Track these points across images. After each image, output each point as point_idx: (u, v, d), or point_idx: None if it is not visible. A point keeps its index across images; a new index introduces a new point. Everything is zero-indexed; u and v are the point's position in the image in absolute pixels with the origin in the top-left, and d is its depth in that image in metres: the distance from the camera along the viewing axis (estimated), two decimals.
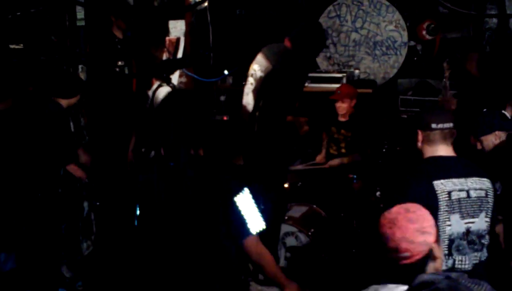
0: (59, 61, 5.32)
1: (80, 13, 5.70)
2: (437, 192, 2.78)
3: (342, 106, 5.57)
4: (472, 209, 2.83)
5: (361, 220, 5.12)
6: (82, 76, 5.50)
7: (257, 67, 4.25)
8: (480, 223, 2.84)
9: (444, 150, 2.90)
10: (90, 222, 5.06)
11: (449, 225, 2.79)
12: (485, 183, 2.89)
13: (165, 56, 4.49)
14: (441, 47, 6.77)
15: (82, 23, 5.62)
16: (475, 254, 2.84)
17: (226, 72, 5.56)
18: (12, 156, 4.23)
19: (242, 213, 2.51)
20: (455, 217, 2.79)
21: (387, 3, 6.87)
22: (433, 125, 2.88)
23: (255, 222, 2.56)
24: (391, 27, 6.90)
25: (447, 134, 2.90)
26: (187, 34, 4.56)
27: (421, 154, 2.97)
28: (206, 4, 4.87)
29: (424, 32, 6.75)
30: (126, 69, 5.56)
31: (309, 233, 4.77)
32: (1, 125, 4.26)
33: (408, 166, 3.26)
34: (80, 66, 5.54)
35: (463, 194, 2.81)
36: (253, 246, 2.57)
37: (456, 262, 2.81)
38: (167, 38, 4.37)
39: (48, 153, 4.29)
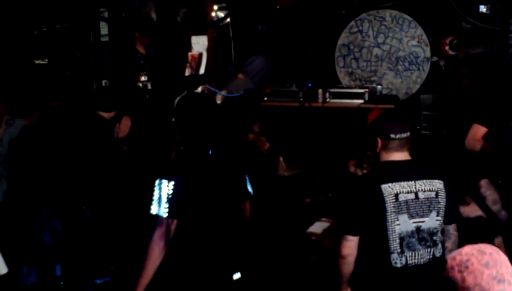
0: (83, 77, 5.37)
1: (103, 29, 5.77)
2: (384, 195, 3.02)
3: None
4: (421, 209, 3.06)
5: None
6: None
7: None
8: (431, 222, 3.07)
9: (398, 156, 3.14)
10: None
11: (398, 225, 3.02)
12: (436, 184, 3.10)
13: (187, 71, 4.52)
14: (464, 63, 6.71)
15: (106, 39, 5.69)
16: (428, 250, 3.06)
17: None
18: (53, 166, 4.27)
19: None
20: (403, 217, 3.02)
21: (410, 18, 6.84)
22: (392, 136, 3.12)
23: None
24: (413, 42, 6.86)
25: (404, 143, 3.14)
26: (209, 49, 4.58)
27: (377, 158, 3.23)
28: (228, 20, 4.89)
29: (447, 48, 6.70)
30: (148, 84, 5.60)
31: (331, 249, 4.72)
32: (28, 139, 4.31)
33: None
34: (103, 81, 5.59)
35: (411, 196, 3.05)
36: None
37: (408, 258, 3.03)
38: (189, 53, 4.40)
39: (97, 162, 4.33)
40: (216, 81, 4.24)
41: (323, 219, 5.26)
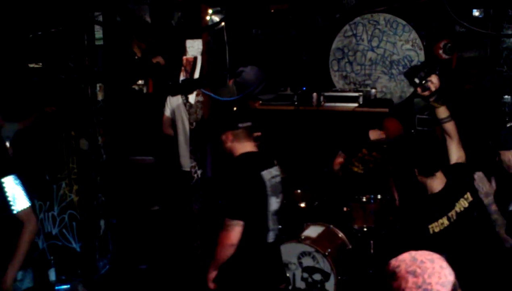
0: (77, 80, 5.37)
1: (98, 32, 5.76)
2: (264, 181, 3.44)
3: (383, 137, 5.53)
4: (277, 191, 3.57)
5: (379, 240, 5.08)
6: (100, 95, 5.54)
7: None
8: (280, 201, 3.61)
9: (249, 147, 3.53)
10: (107, 241, 5.07)
11: (271, 205, 3.49)
12: (277, 169, 3.63)
13: (182, 75, 4.52)
14: (458, 67, 6.74)
15: (101, 42, 5.68)
16: (277, 226, 3.61)
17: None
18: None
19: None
20: (274, 199, 3.51)
21: (404, 22, 6.87)
22: (240, 125, 3.48)
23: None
24: (407, 46, 6.89)
25: (249, 131, 3.52)
26: (204, 53, 4.58)
27: (231, 152, 3.51)
28: (223, 24, 4.89)
29: (441, 52, 6.72)
30: (144, 88, 5.61)
31: (326, 253, 4.73)
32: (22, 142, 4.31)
33: None
34: (98, 85, 5.59)
35: (273, 180, 3.52)
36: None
37: (275, 234, 3.55)
38: (184, 57, 4.40)
39: None
40: (210, 85, 4.23)
41: (318, 222, 5.28)
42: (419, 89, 3.74)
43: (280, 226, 3.68)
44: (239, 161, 3.49)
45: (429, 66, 4.07)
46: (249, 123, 3.49)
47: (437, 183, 3.66)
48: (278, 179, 3.57)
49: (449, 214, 3.63)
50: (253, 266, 3.48)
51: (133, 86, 5.79)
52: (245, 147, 3.50)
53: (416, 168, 3.66)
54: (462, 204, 3.66)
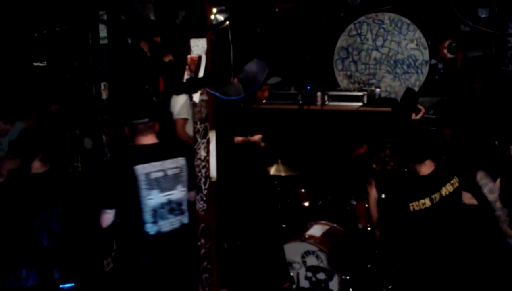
0: (82, 79, 5.38)
1: (102, 31, 5.77)
2: (136, 175, 3.54)
3: None
4: (170, 184, 3.66)
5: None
6: (105, 94, 5.55)
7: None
8: (178, 193, 3.70)
9: (145, 139, 3.68)
10: (111, 239, 5.07)
11: (151, 199, 3.58)
12: (180, 161, 3.73)
13: (187, 74, 4.52)
14: (462, 66, 6.73)
15: (105, 41, 5.68)
16: (177, 218, 3.70)
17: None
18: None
19: None
20: (155, 192, 3.59)
21: (408, 22, 6.86)
22: (134, 121, 3.66)
23: None
24: (412, 45, 6.88)
25: (146, 127, 3.67)
26: (208, 52, 4.58)
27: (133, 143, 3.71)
28: (227, 22, 4.88)
29: (445, 51, 6.72)
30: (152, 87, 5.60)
31: (330, 252, 4.73)
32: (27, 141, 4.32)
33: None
34: (102, 84, 5.59)
35: (161, 174, 3.62)
36: None
37: (162, 226, 3.62)
38: (189, 56, 4.39)
39: None
40: (215, 84, 4.23)
41: (322, 221, 5.28)
42: (413, 115, 4.17)
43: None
44: (115, 154, 3.79)
45: (412, 93, 4.69)
46: (144, 120, 3.66)
47: (425, 168, 3.88)
48: (170, 172, 3.67)
49: (433, 196, 3.80)
50: (132, 254, 3.67)
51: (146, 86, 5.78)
52: (141, 140, 3.69)
53: (406, 155, 3.94)
54: (448, 188, 3.85)
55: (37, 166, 4.16)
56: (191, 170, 3.80)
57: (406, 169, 5.36)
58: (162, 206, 3.63)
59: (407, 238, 3.91)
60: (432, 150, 3.88)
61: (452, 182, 3.87)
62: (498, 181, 3.88)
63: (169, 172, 3.67)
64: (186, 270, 3.81)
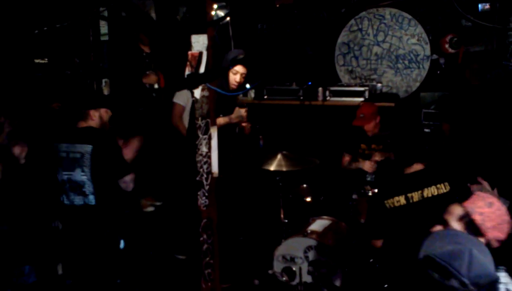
0: (83, 76, 5.38)
1: (103, 28, 5.77)
2: (56, 153, 4.06)
3: (370, 127, 5.50)
4: (70, 165, 4.04)
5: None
6: (106, 90, 5.55)
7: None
8: (77, 175, 4.05)
9: (81, 123, 4.09)
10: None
11: (59, 174, 4.08)
12: (84, 148, 4.03)
13: (188, 70, 4.52)
14: (464, 61, 6.72)
15: (106, 38, 5.69)
16: (80, 197, 4.08)
17: (248, 86, 5.59)
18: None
19: None
20: (60, 169, 4.09)
21: (409, 17, 6.85)
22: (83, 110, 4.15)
23: None
24: (413, 40, 6.87)
25: (85, 114, 4.11)
26: (209, 48, 4.58)
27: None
28: (228, 18, 4.88)
29: (447, 46, 6.70)
30: (156, 85, 5.60)
31: (332, 247, 4.72)
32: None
33: None
34: (103, 81, 5.60)
35: (63, 154, 4.06)
36: None
37: (71, 200, 4.10)
38: (189, 52, 4.39)
39: None
40: (216, 80, 4.24)
41: (324, 216, 5.28)
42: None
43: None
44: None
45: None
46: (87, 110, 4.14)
47: (412, 168, 3.84)
48: (71, 155, 4.06)
49: (409, 195, 3.73)
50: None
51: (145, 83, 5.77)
52: (80, 123, 4.15)
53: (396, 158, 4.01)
54: (432, 190, 3.73)
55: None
56: (99, 157, 4.06)
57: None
58: (63, 182, 4.08)
59: (386, 235, 3.89)
60: (420, 155, 3.85)
61: (439, 186, 3.75)
62: (495, 190, 3.80)
63: (71, 155, 4.07)
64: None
